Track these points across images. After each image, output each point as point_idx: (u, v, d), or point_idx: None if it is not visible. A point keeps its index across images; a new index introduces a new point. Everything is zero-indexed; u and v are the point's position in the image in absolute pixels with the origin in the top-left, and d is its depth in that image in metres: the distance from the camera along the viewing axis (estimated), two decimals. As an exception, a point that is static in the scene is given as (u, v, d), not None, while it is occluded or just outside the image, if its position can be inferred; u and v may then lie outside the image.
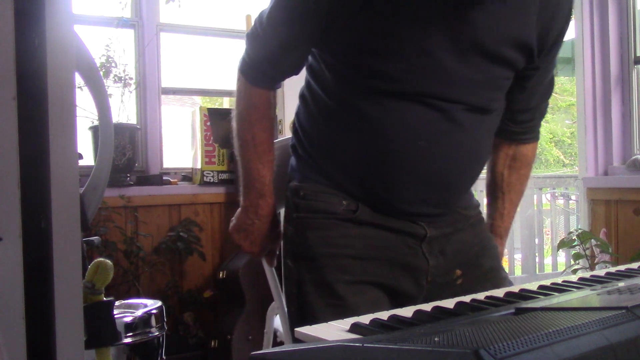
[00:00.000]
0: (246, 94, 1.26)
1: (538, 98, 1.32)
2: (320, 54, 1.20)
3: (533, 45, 1.17)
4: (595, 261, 2.81)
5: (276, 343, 2.19)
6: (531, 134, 1.39)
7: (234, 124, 1.28)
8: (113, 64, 3.10)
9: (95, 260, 1.45)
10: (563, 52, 5.53)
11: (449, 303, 0.87)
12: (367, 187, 1.20)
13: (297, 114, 1.31)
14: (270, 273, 1.48)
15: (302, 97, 1.30)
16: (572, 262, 2.89)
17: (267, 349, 0.64)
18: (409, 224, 1.21)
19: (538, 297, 0.88)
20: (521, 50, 1.16)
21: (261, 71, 1.24)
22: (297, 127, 1.31)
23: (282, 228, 1.32)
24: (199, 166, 3.30)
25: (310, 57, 1.24)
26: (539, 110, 1.35)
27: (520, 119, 1.33)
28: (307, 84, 1.28)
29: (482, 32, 1.10)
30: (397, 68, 1.09)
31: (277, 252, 1.38)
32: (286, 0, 1.15)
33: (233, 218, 1.34)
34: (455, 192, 1.24)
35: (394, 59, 1.09)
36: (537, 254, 4.32)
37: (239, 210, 1.32)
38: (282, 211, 1.34)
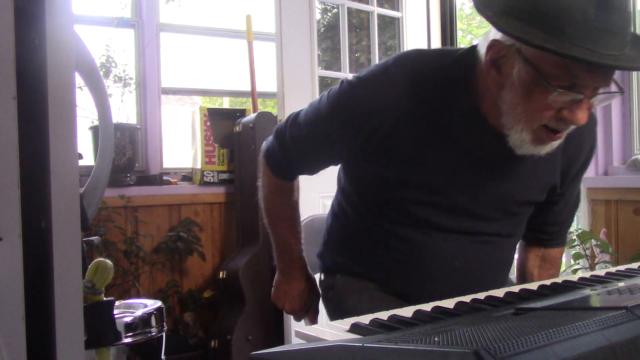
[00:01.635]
0: (269, 181, 1.37)
1: (566, 214, 1.40)
2: (347, 177, 1.33)
3: (557, 183, 1.29)
4: (595, 261, 2.81)
5: None
6: (559, 240, 1.44)
7: (261, 202, 1.40)
8: (113, 64, 3.10)
9: (95, 260, 1.45)
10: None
11: (449, 303, 0.87)
12: (399, 294, 1.29)
13: (331, 216, 1.43)
14: None
15: (332, 207, 1.43)
16: (572, 262, 2.89)
17: (267, 349, 0.64)
18: None
19: (538, 297, 0.88)
20: (546, 190, 1.29)
21: (283, 168, 1.33)
22: (330, 226, 1.43)
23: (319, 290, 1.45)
24: (199, 166, 3.30)
25: (342, 177, 1.36)
26: (567, 223, 1.44)
27: (549, 230, 1.41)
28: (339, 202, 1.39)
29: (511, 184, 1.23)
30: (427, 212, 1.22)
31: (318, 311, 1.47)
32: (316, 129, 1.23)
33: (273, 285, 1.45)
34: None
35: (423, 205, 1.21)
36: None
37: (276, 275, 1.44)
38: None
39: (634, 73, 2.98)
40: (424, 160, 1.17)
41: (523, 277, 1.46)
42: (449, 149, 1.17)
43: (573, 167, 1.30)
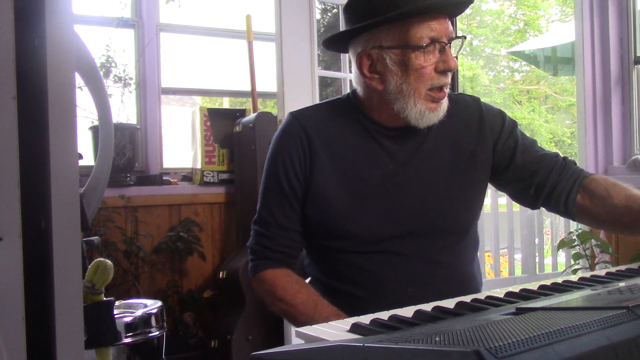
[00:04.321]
0: (266, 283, 1.33)
1: (546, 156, 1.37)
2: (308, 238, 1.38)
3: (488, 156, 1.36)
4: (595, 261, 2.81)
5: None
6: (576, 168, 1.37)
7: (280, 315, 1.35)
8: (113, 64, 3.10)
9: (95, 260, 1.45)
10: (563, 52, 5.48)
11: (450, 303, 0.87)
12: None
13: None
14: None
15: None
16: (572, 262, 2.89)
17: (268, 349, 0.64)
18: None
19: (538, 297, 0.88)
20: (476, 163, 1.35)
21: (269, 249, 1.34)
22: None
23: None
24: (199, 166, 3.30)
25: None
26: (554, 156, 1.38)
27: (563, 173, 1.35)
28: (309, 264, 1.44)
29: (432, 166, 1.33)
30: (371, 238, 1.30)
31: None
32: (268, 181, 1.36)
33: None
34: None
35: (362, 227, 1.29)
36: (537, 254, 4.31)
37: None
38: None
39: (635, 74, 2.98)
40: (349, 185, 1.29)
41: (617, 217, 1.30)
42: (366, 168, 1.31)
43: (495, 142, 1.37)
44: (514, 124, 1.41)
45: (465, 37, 1.32)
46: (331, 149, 1.32)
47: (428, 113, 1.25)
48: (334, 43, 1.36)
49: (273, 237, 1.33)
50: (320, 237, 1.34)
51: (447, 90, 1.27)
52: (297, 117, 1.36)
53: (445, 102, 1.28)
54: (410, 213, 1.29)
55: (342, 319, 1.14)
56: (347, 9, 1.31)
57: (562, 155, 1.40)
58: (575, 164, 1.40)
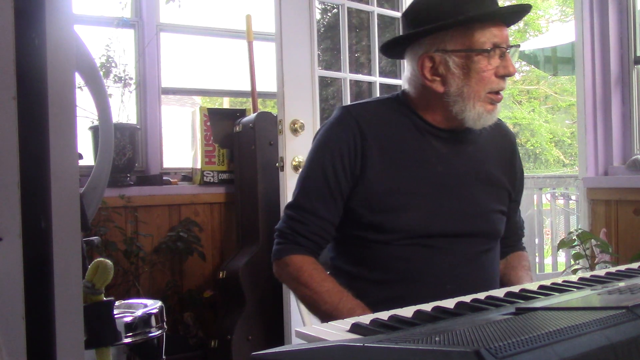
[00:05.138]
0: (292, 267, 1.33)
1: (519, 218, 1.58)
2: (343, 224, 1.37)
3: (508, 187, 1.45)
4: (595, 261, 2.80)
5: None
6: (521, 244, 1.58)
7: (300, 301, 1.37)
8: (113, 64, 3.10)
9: (95, 260, 1.45)
10: (563, 52, 5.48)
11: (449, 303, 0.87)
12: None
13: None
14: None
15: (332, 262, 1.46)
16: (572, 262, 2.89)
17: (268, 349, 0.64)
18: None
19: (538, 297, 0.88)
20: (505, 177, 1.44)
21: (299, 235, 1.34)
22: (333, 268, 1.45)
23: None
24: (199, 166, 3.30)
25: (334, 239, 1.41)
26: (521, 227, 1.59)
27: (513, 237, 1.54)
28: (336, 255, 1.44)
29: (474, 171, 1.39)
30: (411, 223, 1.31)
31: None
32: (312, 171, 1.36)
33: None
34: None
35: (407, 216, 1.30)
36: (537, 254, 4.32)
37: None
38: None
39: (635, 74, 2.98)
40: (397, 187, 1.31)
41: (506, 278, 1.49)
42: (415, 168, 1.33)
43: (512, 172, 1.48)
44: None
45: (519, 46, 1.37)
46: (383, 145, 1.33)
47: (485, 115, 1.30)
48: (390, 48, 1.39)
49: (307, 224, 1.33)
50: (361, 229, 1.34)
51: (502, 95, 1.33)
52: (351, 111, 1.37)
53: (499, 106, 1.34)
54: (455, 214, 1.33)
55: (367, 313, 1.17)
56: (408, 14, 1.35)
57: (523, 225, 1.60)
58: (523, 235, 1.61)
